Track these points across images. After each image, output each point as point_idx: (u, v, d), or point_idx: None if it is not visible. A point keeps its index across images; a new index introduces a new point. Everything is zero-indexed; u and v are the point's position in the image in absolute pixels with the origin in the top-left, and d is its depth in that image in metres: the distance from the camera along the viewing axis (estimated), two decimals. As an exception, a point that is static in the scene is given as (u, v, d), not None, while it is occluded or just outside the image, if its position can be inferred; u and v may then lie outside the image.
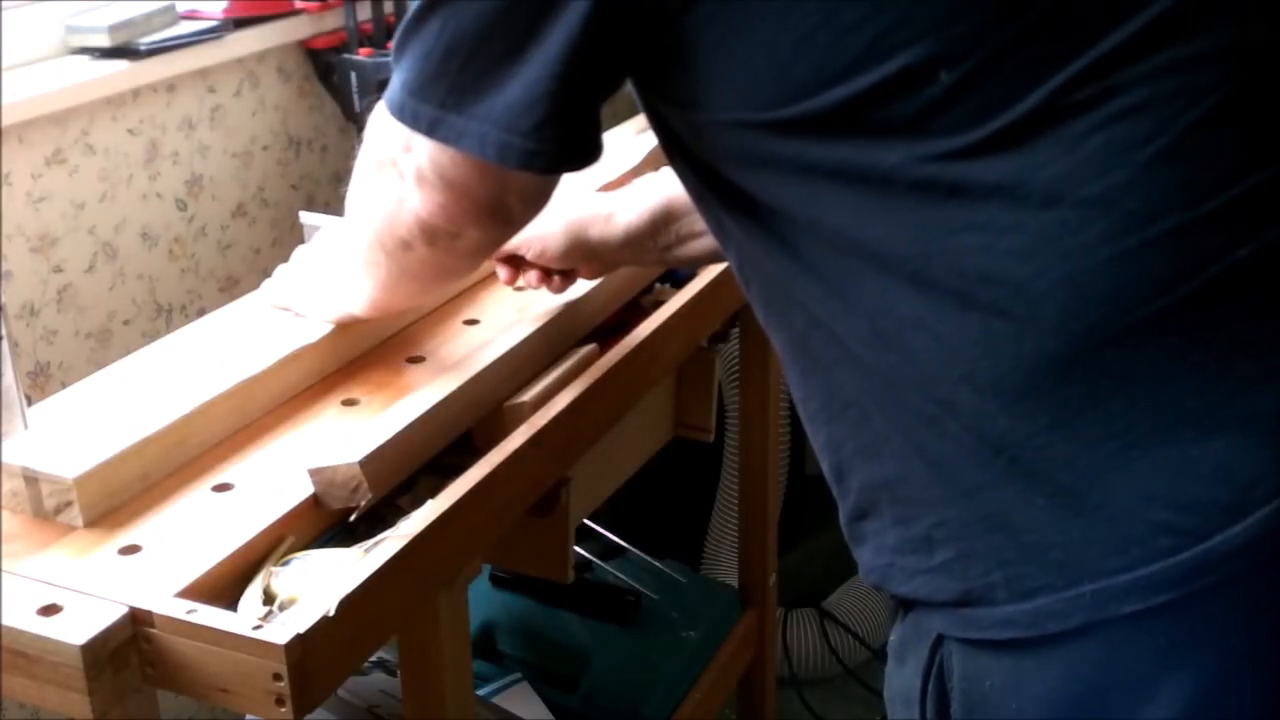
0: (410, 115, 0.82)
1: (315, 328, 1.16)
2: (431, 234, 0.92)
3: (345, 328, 1.17)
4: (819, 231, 0.76)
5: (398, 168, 0.89)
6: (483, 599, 1.62)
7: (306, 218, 1.39)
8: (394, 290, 1.07)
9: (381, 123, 0.88)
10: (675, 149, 0.85)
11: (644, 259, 1.16)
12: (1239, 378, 0.71)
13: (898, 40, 0.70)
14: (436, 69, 0.79)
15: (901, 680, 0.84)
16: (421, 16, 0.79)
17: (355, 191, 1.00)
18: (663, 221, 1.12)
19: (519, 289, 1.20)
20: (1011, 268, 0.71)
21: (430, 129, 0.81)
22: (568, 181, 0.88)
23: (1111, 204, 0.70)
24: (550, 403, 1.10)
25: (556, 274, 1.18)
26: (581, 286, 1.25)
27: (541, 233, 1.13)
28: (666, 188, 1.11)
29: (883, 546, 0.82)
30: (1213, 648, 0.72)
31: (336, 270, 1.12)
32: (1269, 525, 0.70)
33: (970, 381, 0.73)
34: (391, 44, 0.84)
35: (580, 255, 1.15)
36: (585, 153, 0.82)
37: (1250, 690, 0.73)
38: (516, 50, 0.76)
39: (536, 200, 0.89)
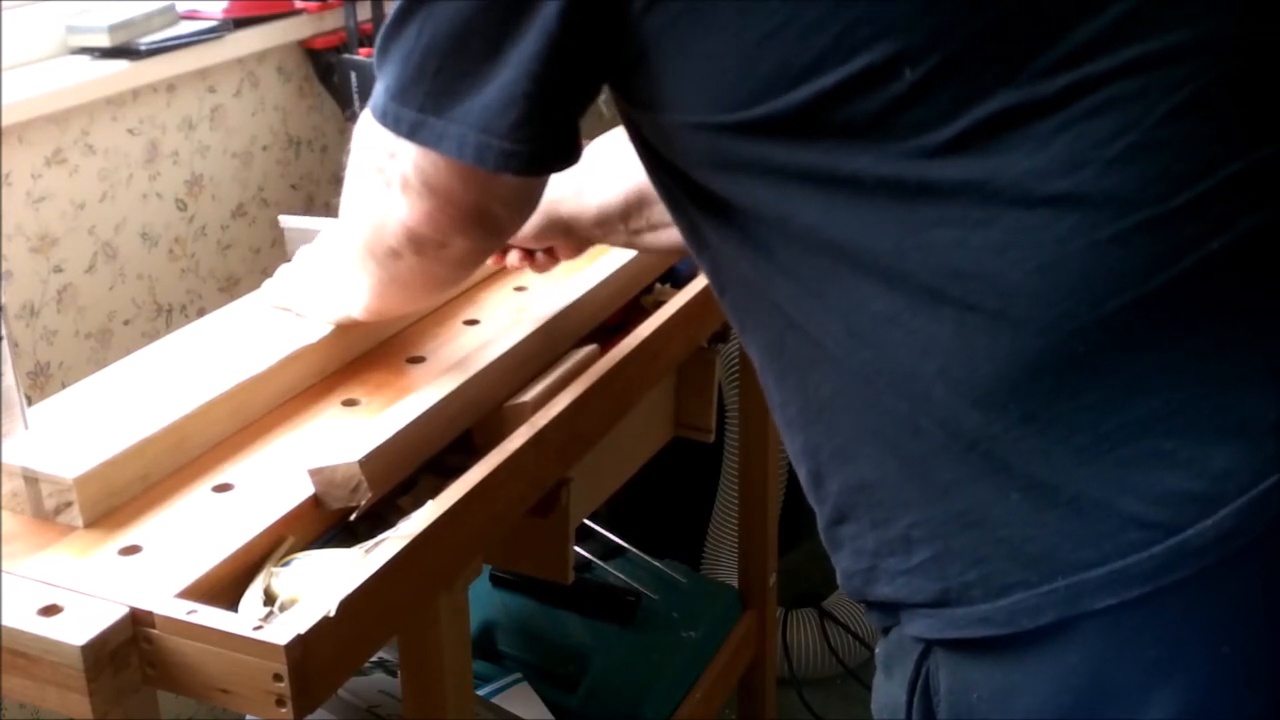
0: (392, 119, 0.82)
1: (315, 328, 1.16)
2: (419, 242, 0.92)
3: (345, 328, 1.17)
4: (790, 231, 0.76)
5: (384, 175, 0.89)
6: (483, 599, 1.62)
7: (286, 220, 1.38)
8: (386, 297, 1.07)
9: (368, 129, 0.88)
10: (650, 157, 0.85)
11: (614, 239, 1.16)
12: (1213, 372, 0.70)
13: (861, 37, 0.70)
14: (415, 72, 0.79)
15: (888, 692, 0.83)
16: (400, 20, 0.79)
17: (346, 199, 1.00)
18: (635, 205, 1.11)
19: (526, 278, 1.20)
20: (983, 263, 0.71)
21: (411, 132, 0.81)
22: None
23: (1081, 199, 0.69)
24: (551, 403, 1.10)
25: (540, 253, 1.17)
26: (581, 287, 1.25)
27: None
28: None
29: (862, 550, 0.81)
30: (1202, 657, 0.72)
31: (336, 271, 1.12)
32: (1241, 518, 0.69)
33: (944, 377, 0.73)
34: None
35: (554, 232, 1.14)
36: (563, 154, 0.82)
37: (1245, 698, 0.73)
38: (493, 51, 0.76)
39: (521, 206, 0.89)
